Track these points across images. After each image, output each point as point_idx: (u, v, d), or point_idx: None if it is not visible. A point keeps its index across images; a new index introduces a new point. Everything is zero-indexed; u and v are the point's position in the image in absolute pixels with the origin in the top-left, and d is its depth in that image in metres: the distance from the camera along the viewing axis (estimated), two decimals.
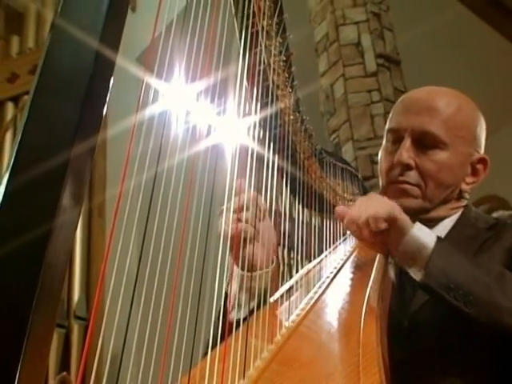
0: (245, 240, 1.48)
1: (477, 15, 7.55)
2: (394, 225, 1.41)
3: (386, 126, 1.73)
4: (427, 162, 1.62)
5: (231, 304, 1.48)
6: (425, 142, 1.62)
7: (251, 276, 1.50)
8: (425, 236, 1.41)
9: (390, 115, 1.74)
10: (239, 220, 1.47)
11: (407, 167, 1.62)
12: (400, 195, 1.62)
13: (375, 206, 1.42)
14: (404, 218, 1.42)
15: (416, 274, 1.40)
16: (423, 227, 1.43)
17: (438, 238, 1.42)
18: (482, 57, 7.56)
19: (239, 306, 1.48)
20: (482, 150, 1.70)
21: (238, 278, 1.51)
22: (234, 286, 1.51)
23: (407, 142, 1.62)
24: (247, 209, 1.47)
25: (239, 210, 1.46)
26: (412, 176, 1.62)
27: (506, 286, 1.37)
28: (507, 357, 1.42)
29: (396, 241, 1.42)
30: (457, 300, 1.33)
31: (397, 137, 1.66)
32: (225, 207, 1.46)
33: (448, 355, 1.44)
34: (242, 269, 1.50)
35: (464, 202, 1.71)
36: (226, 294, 1.50)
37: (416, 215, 1.60)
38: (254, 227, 1.49)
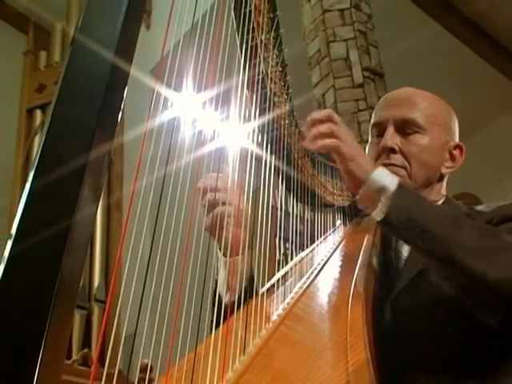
0: (221, 222, 1.44)
1: (452, 34, 7.55)
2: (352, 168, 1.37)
3: (371, 123, 1.72)
4: (410, 145, 1.62)
5: (224, 289, 1.47)
6: (406, 129, 1.62)
7: (237, 260, 1.47)
8: (386, 179, 1.36)
9: (373, 114, 1.74)
10: (218, 204, 1.44)
11: (392, 151, 1.61)
12: None
13: (360, 157, 1.38)
14: (363, 164, 1.38)
15: (378, 214, 1.35)
16: (384, 171, 1.39)
17: (400, 180, 1.38)
18: (456, 70, 7.57)
19: (231, 289, 1.47)
20: (457, 140, 1.70)
21: (224, 263, 1.49)
22: (222, 272, 1.49)
23: (390, 130, 1.62)
24: (217, 191, 1.43)
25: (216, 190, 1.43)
26: (397, 158, 1.61)
27: (461, 225, 1.34)
28: (485, 333, 1.40)
29: (358, 183, 1.38)
30: (416, 236, 1.31)
31: (380, 129, 1.67)
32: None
33: (426, 338, 1.43)
34: (225, 255, 1.48)
35: (444, 193, 1.70)
36: (216, 281, 1.49)
37: None
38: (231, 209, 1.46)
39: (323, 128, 1.38)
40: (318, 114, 1.41)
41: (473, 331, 1.40)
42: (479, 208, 1.62)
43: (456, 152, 1.68)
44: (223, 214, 1.44)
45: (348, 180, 1.40)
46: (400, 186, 1.35)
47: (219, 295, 1.47)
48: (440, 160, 1.66)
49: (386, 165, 1.60)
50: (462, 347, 1.39)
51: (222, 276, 1.50)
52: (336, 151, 1.38)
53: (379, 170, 1.38)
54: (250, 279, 1.50)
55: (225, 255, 1.49)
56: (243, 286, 1.46)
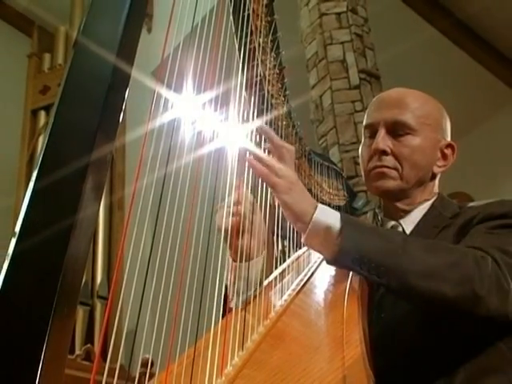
0: (238, 231, 1.46)
1: (446, 37, 7.56)
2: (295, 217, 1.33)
3: (363, 124, 1.70)
4: (401, 147, 1.60)
5: (230, 293, 1.47)
6: (397, 131, 1.60)
7: (246, 265, 1.48)
8: (329, 218, 1.30)
9: (366, 115, 1.71)
10: (234, 214, 1.46)
11: (384, 153, 1.59)
12: (380, 178, 1.60)
13: (295, 194, 1.32)
14: (302, 202, 1.32)
15: (328, 255, 1.32)
16: (325, 208, 1.33)
17: (341, 215, 1.32)
18: (449, 71, 7.58)
19: (238, 294, 1.47)
20: (449, 139, 1.69)
21: (234, 269, 1.49)
22: (231, 276, 1.49)
23: (382, 132, 1.60)
24: (241, 204, 1.46)
25: (235, 204, 1.45)
26: (389, 160, 1.59)
27: (410, 251, 1.30)
28: (463, 334, 1.39)
29: (298, 220, 1.33)
30: (370, 273, 1.28)
31: (372, 131, 1.64)
32: (222, 204, 1.45)
33: (406, 336, 1.42)
34: (235, 260, 1.48)
35: (436, 188, 1.69)
36: (226, 286, 1.49)
37: (396, 196, 1.61)
38: (247, 220, 1.48)
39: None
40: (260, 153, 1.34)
41: (450, 331, 1.39)
42: (471, 204, 1.62)
43: (448, 151, 1.67)
44: (238, 224, 1.46)
45: (287, 214, 1.35)
46: (344, 223, 1.30)
47: (226, 297, 1.47)
48: (431, 160, 1.64)
49: (377, 167, 1.60)
50: (441, 344, 1.39)
51: (230, 280, 1.50)
52: (270, 184, 1.31)
53: (320, 209, 1.32)
54: (260, 282, 1.51)
55: (234, 260, 1.49)
56: (252, 290, 1.47)
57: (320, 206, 1.33)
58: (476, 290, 1.26)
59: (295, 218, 1.33)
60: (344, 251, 1.28)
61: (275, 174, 1.30)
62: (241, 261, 1.49)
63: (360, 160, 1.71)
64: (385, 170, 1.60)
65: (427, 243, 1.40)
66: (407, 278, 1.28)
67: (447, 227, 1.55)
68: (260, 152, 1.34)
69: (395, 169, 1.60)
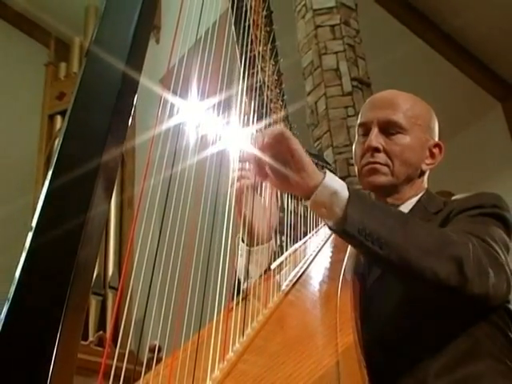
0: (245, 196, 1.45)
1: (431, 48, 7.57)
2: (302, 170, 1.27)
3: (357, 123, 1.69)
4: (392, 145, 1.59)
5: (242, 276, 1.47)
6: (389, 130, 1.60)
7: (258, 250, 1.50)
8: (336, 184, 1.27)
9: (360, 114, 1.71)
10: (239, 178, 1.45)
11: (376, 150, 1.59)
12: (372, 173, 1.60)
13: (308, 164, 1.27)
14: (313, 171, 1.27)
15: (332, 222, 1.28)
16: (333, 176, 1.29)
17: (348, 186, 1.28)
18: (434, 79, 7.57)
19: (250, 277, 1.47)
20: (437, 139, 1.68)
21: (246, 253, 1.50)
22: (243, 260, 1.50)
23: (375, 131, 1.60)
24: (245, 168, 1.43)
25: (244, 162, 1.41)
26: (381, 157, 1.59)
27: (410, 228, 1.30)
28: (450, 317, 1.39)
29: (308, 187, 1.27)
30: (373, 244, 1.25)
31: (366, 129, 1.64)
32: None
33: (397, 322, 1.42)
34: (247, 244, 1.50)
35: (424, 184, 1.68)
36: (236, 270, 1.48)
37: (386, 190, 1.60)
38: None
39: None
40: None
41: (438, 315, 1.38)
42: (453, 198, 1.62)
43: (435, 150, 1.67)
44: (244, 187, 1.45)
45: (297, 184, 1.28)
46: (352, 194, 1.27)
47: (239, 280, 1.47)
48: (420, 158, 1.64)
49: (370, 163, 1.60)
50: (428, 330, 1.38)
51: (241, 263, 1.51)
52: (291, 153, 1.25)
53: (329, 176, 1.28)
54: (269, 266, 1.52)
55: (247, 244, 1.51)
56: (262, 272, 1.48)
57: (329, 173, 1.30)
58: (465, 271, 1.26)
59: (304, 186, 1.27)
60: (350, 219, 1.25)
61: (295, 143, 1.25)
62: (253, 245, 1.50)
63: (353, 156, 1.70)
64: (377, 166, 1.59)
65: (425, 224, 1.41)
66: (405, 252, 1.26)
67: (430, 222, 1.55)
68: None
69: (386, 165, 1.59)
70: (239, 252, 1.51)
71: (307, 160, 1.27)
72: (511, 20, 7.20)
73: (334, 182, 1.27)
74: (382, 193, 1.62)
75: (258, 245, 1.51)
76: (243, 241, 1.52)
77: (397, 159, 1.59)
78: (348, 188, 1.28)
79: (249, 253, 1.50)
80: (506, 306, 1.46)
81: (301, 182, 1.27)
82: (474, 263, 1.28)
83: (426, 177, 1.69)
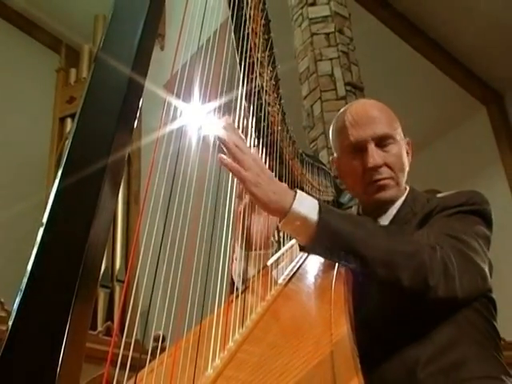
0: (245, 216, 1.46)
1: (420, 54, 7.58)
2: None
3: (343, 142, 1.62)
4: (389, 156, 1.57)
5: (239, 279, 1.46)
6: (383, 143, 1.57)
7: (256, 255, 1.49)
8: (306, 209, 1.24)
9: (339, 132, 1.64)
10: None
11: (380, 167, 1.56)
12: (382, 189, 1.57)
13: (269, 185, 1.24)
14: (276, 193, 1.24)
15: (302, 241, 1.27)
16: (303, 200, 1.25)
17: (320, 205, 1.25)
18: (423, 84, 7.59)
19: (247, 279, 1.43)
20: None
21: (243, 257, 1.48)
22: (241, 264, 1.48)
23: (373, 147, 1.56)
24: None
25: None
26: (385, 171, 1.56)
27: (375, 240, 1.29)
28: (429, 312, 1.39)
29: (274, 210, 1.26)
30: (340, 259, 1.28)
31: (358, 148, 1.58)
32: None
33: (385, 312, 1.41)
34: (246, 249, 1.48)
35: (407, 186, 1.65)
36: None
37: (392, 201, 1.59)
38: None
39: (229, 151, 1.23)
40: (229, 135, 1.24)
41: (422, 306, 1.38)
42: (438, 195, 1.61)
43: (409, 147, 1.66)
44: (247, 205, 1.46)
45: (259, 205, 1.27)
46: (322, 217, 1.23)
47: (233, 281, 1.46)
48: (407, 159, 1.63)
49: (378, 180, 1.56)
50: (414, 320, 1.38)
51: (238, 266, 1.48)
52: (238, 176, 1.23)
53: (298, 200, 1.24)
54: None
55: (242, 248, 1.49)
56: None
57: (298, 195, 1.25)
58: (428, 280, 1.26)
59: (268, 209, 1.25)
60: (317, 241, 1.24)
61: (243, 167, 1.22)
62: (250, 249, 1.48)
63: (347, 174, 1.65)
64: (386, 181, 1.57)
65: (391, 235, 1.37)
66: (371, 265, 1.26)
67: (414, 219, 1.54)
68: (229, 141, 1.23)
69: (391, 178, 1.57)
70: (236, 256, 1.50)
71: (262, 192, 1.23)
72: (494, 29, 7.22)
73: (304, 207, 1.24)
74: (388, 204, 1.60)
75: (255, 250, 1.49)
76: (241, 247, 1.49)
77: (397, 169, 1.58)
78: (319, 209, 1.24)
79: (247, 257, 1.48)
80: (488, 295, 1.47)
81: (266, 211, 1.30)
82: (438, 269, 1.28)
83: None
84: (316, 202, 1.27)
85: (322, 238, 1.24)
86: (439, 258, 1.29)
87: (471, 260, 1.35)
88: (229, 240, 1.25)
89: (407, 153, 1.65)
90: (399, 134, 1.62)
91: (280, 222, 1.26)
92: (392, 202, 1.61)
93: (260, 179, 1.22)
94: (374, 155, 1.56)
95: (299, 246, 1.30)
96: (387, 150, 1.58)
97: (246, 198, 1.45)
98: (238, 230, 1.47)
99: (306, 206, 1.25)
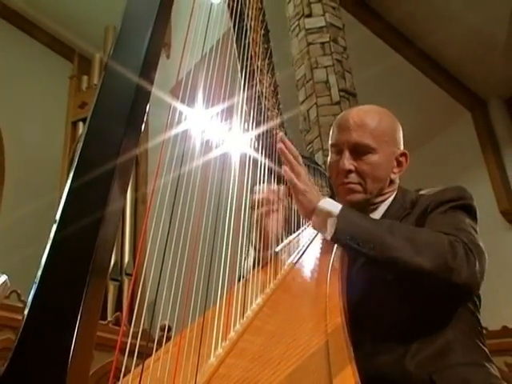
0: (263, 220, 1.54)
1: (410, 63, 7.58)
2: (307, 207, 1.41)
3: (329, 141, 1.65)
4: (363, 164, 1.55)
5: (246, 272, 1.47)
6: (359, 150, 1.55)
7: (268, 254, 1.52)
8: (330, 206, 1.38)
9: (330, 133, 1.66)
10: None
11: (349, 171, 1.56)
12: (348, 193, 1.57)
13: (309, 193, 1.41)
14: (312, 197, 1.41)
15: (328, 235, 1.36)
16: (329, 200, 1.42)
17: (342, 206, 1.39)
18: (412, 92, 7.59)
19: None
20: (402, 147, 1.64)
21: (257, 257, 1.50)
22: (249, 260, 1.52)
23: (346, 153, 1.56)
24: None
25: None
26: (354, 177, 1.56)
27: (394, 232, 1.32)
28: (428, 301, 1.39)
29: (309, 212, 1.41)
30: (362, 247, 1.30)
31: (338, 150, 1.60)
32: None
33: (376, 303, 1.41)
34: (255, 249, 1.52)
35: (395, 186, 1.65)
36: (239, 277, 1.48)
37: (361, 205, 1.57)
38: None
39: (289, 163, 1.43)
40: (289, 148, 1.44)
41: (412, 297, 1.38)
42: (422, 192, 1.60)
43: (402, 158, 1.63)
44: (265, 213, 1.54)
45: (300, 209, 1.44)
46: (342, 211, 1.36)
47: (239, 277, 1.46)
48: (389, 170, 1.60)
49: (344, 183, 1.57)
50: (403, 312, 1.38)
51: (250, 264, 1.51)
52: (291, 184, 1.42)
53: (324, 200, 1.40)
54: None
55: (255, 249, 1.51)
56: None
57: (325, 198, 1.42)
58: (449, 263, 1.27)
59: (306, 212, 1.41)
60: (338, 231, 1.33)
61: (296, 176, 1.41)
62: (265, 249, 1.52)
63: (328, 172, 1.70)
64: (351, 186, 1.57)
65: (409, 227, 1.43)
66: (392, 252, 1.28)
67: (408, 216, 1.54)
68: (291, 154, 1.43)
69: (359, 184, 1.57)
70: (247, 253, 1.53)
71: (306, 200, 1.41)
72: (478, 40, 7.22)
73: (328, 205, 1.39)
74: (357, 207, 1.60)
75: (268, 249, 1.53)
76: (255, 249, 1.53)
77: (368, 177, 1.57)
78: (341, 207, 1.38)
79: (258, 255, 1.50)
80: None
81: (303, 214, 1.46)
82: (460, 253, 1.28)
83: (396, 181, 1.65)
84: (340, 204, 1.40)
85: (344, 229, 1.33)
86: (460, 244, 1.30)
87: (481, 250, 1.36)
88: (230, 236, 1.25)
89: (398, 164, 1.63)
90: (387, 146, 1.59)
91: (310, 219, 1.42)
92: (383, 200, 1.61)
93: (308, 188, 1.41)
94: (345, 160, 1.56)
95: (330, 239, 1.38)
96: (364, 158, 1.56)
97: (260, 209, 1.54)
98: (256, 234, 1.52)
99: (330, 203, 1.40)
